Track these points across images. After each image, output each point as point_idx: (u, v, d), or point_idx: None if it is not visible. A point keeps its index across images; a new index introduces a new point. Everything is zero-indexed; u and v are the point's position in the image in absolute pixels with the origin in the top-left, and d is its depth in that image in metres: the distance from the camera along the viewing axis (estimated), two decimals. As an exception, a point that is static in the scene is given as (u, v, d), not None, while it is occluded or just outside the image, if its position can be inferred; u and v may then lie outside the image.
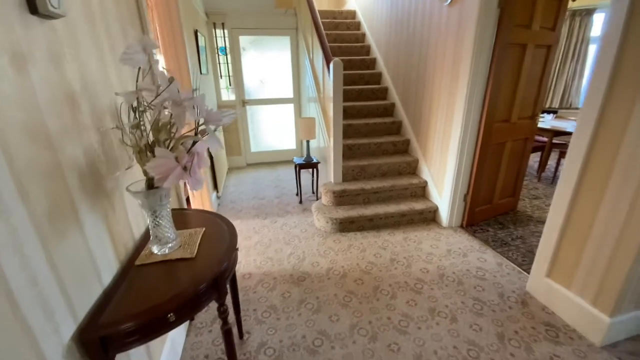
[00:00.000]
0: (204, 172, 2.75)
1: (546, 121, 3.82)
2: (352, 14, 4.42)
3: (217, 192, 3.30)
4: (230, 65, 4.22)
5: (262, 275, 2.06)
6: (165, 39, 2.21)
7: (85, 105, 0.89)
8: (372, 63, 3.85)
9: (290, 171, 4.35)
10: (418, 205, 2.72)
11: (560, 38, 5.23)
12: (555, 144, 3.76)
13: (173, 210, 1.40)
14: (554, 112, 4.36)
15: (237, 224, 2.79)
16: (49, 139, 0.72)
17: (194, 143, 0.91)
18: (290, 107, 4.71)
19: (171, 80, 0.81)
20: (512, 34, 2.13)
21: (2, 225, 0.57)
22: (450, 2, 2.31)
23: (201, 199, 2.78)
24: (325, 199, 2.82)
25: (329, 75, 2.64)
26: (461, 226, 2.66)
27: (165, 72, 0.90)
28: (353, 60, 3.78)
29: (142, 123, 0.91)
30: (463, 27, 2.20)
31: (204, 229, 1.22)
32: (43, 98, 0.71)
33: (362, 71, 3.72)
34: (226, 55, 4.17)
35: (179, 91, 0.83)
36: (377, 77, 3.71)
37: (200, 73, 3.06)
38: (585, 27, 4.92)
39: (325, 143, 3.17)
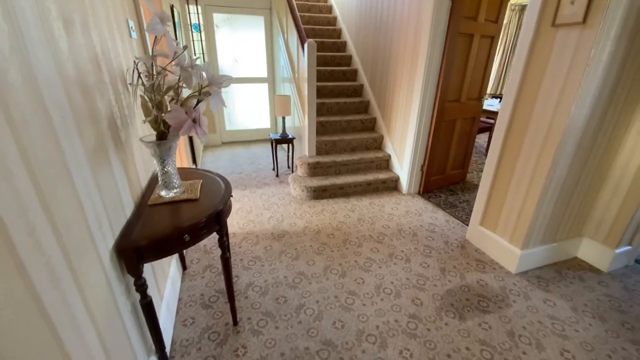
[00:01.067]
0: (185, 148, 2.89)
1: (494, 105, 4.34)
2: (324, -3, 4.58)
3: (196, 165, 3.43)
4: (204, 43, 4.24)
5: (245, 234, 2.30)
6: (145, 13, 2.28)
7: (104, 67, 1.07)
8: (343, 46, 4.08)
9: (264, 149, 4.54)
10: (382, 176, 3.08)
11: (512, 30, 5.79)
12: (501, 125, 4.30)
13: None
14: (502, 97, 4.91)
15: (217, 194, 2.98)
16: (89, 92, 0.91)
17: (199, 102, 1.13)
18: (264, 87, 4.83)
19: (185, 47, 1.02)
20: (461, 24, 2.48)
21: (71, 153, 0.77)
22: (412, -8, 2.60)
23: (182, 171, 2.92)
24: (300, 170, 3.08)
25: (303, 56, 2.85)
26: (419, 193, 3.07)
27: (175, 42, 1.09)
28: (325, 43, 3.99)
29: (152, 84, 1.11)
30: (421, 16, 2.51)
31: (201, 180, 1.44)
32: (82, 58, 0.90)
33: (334, 53, 3.94)
34: (200, 32, 4.17)
35: (191, 58, 1.03)
36: (348, 60, 3.97)
37: (177, 49, 3.11)
38: (531, 21, 5.48)
39: (300, 122, 3.40)
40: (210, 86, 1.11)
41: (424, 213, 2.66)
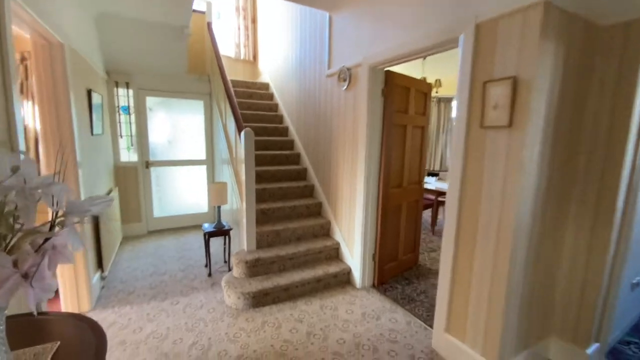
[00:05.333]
0: (84, 252, 2.27)
1: (431, 183, 4.57)
2: (266, 86, 4.77)
3: (103, 271, 2.71)
4: (133, 125, 3.90)
5: (152, 380, 1.66)
6: (44, 101, 1.94)
7: None
8: (285, 130, 4.10)
9: (199, 238, 3.96)
10: (332, 269, 2.75)
11: (434, 117, 6.65)
12: (441, 201, 4.48)
13: (18, 317, 1.07)
14: (436, 174, 5.28)
15: (126, 311, 2.29)
16: None
17: (46, 240, 0.74)
18: (202, 169, 4.50)
19: (15, 169, 0.67)
20: (395, 117, 2.59)
21: None
22: (346, 87, 2.72)
23: (76, 284, 2.26)
24: (237, 270, 2.60)
25: (241, 143, 2.67)
26: (373, 285, 2.76)
27: (22, 155, 0.75)
28: (267, 128, 3.96)
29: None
30: (358, 109, 2.58)
31: (58, 342, 0.94)
32: None
33: (276, 138, 3.90)
34: (129, 114, 3.87)
35: (40, 179, 0.68)
36: (290, 144, 3.93)
37: (92, 134, 2.71)
38: (448, 109, 6.41)
39: (237, 205, 3.05)
40: (67, 216, 0.75)
41: (382, 315, 2.31)
